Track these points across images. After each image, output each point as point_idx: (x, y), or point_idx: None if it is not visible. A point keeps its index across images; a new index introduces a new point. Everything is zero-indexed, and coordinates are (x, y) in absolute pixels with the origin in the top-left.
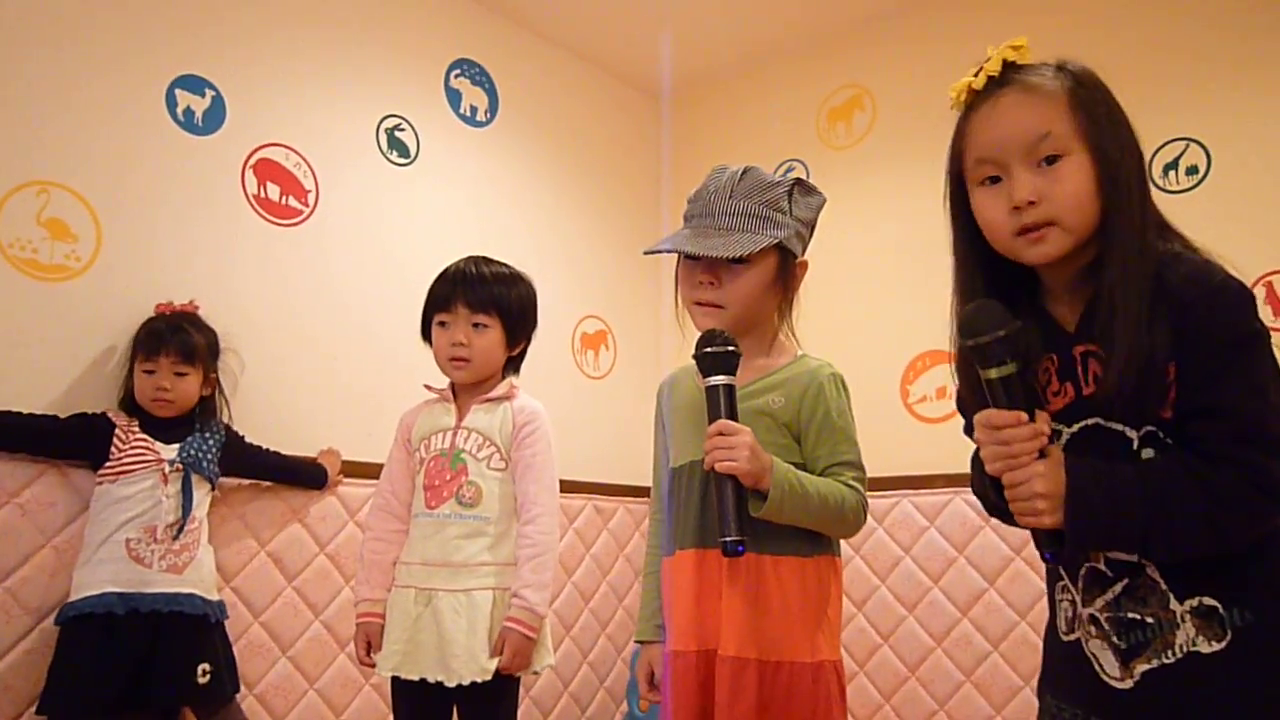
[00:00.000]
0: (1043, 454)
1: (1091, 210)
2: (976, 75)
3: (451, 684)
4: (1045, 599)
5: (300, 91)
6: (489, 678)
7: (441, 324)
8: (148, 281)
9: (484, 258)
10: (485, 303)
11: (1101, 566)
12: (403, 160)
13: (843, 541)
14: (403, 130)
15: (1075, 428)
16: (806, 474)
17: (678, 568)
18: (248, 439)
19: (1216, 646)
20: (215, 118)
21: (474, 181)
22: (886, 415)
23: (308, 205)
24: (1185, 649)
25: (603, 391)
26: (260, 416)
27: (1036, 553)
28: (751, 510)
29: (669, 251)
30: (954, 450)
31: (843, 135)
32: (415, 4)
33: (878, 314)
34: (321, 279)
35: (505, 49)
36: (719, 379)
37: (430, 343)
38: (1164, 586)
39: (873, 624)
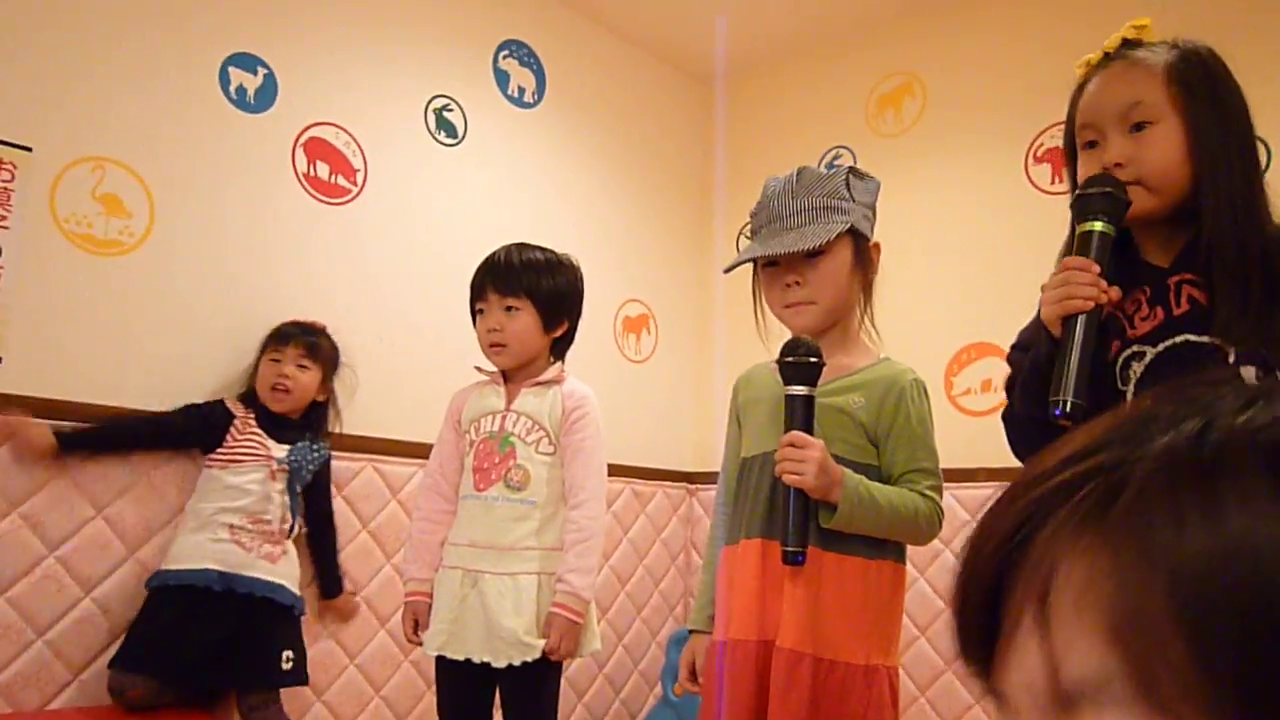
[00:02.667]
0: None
1: (1179, 175)
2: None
3: (500, 664)
4: None
5: (350, 70)
6: (535, 657)
7: (480, 311)
8: (199, 257)
9: (522, 244)
10: (514, 286)
11: None
12: (450, 140)
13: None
14: (450, 110)
15: (1161, 346)
16: (878, 484)
17: (741, 556)
18: (333, 484)
19: None
20: (267, 96)
21: (520, 163)
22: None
23: (356, 184)
24: None
25: (644, 375)
26: None
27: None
28: (822, 521)
29: (748, 262)
30: (997, 444)
31: (892, 123)
32: None
33: (923, 304)
34: (369, 258)
35: (553, 30)
36: (799, 389)
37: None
38: None
39: (910, 616)
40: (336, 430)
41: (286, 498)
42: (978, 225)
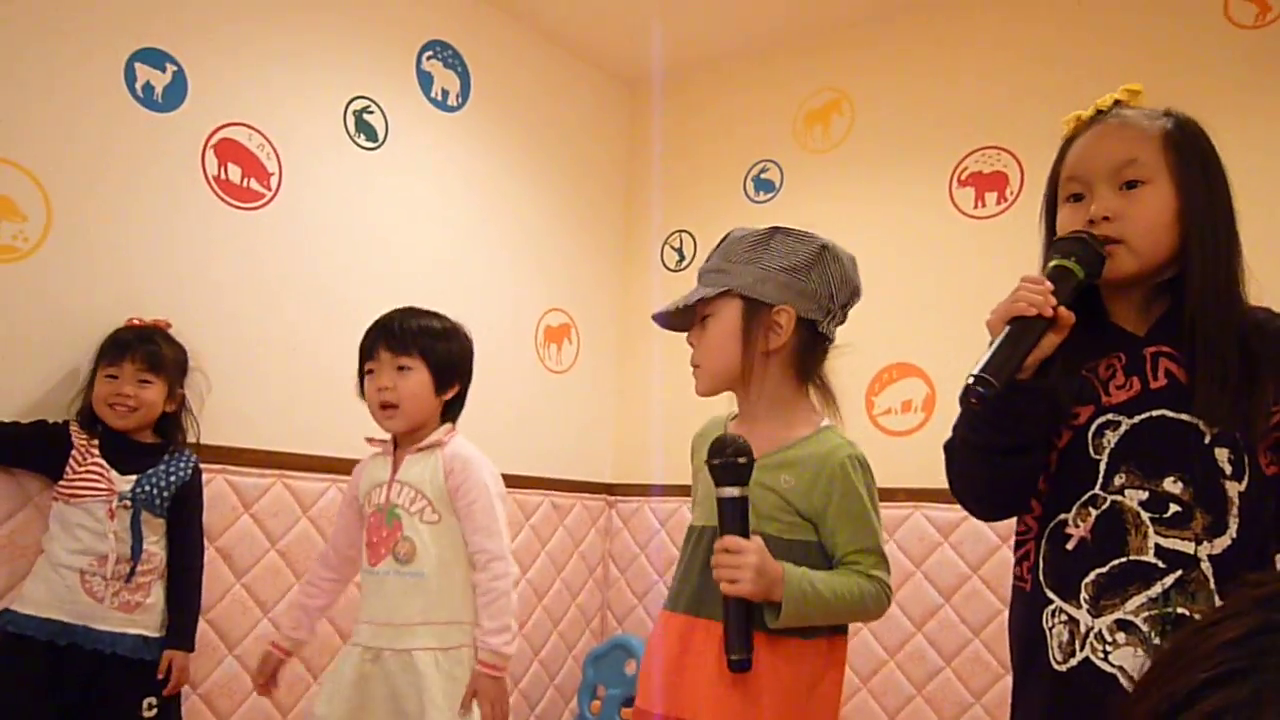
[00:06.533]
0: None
1: (1166, 239)
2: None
3: None
4: (1003, 618)
5: (265, 69)
6: None
7: (369, 373)
8: (99, 264)
9: (415, 309)
10: (408, 346)
11: (1149, 558)
12: (370, 144)
13: None
14: (371, 113)
15: (1137, 419)
16: (821, 574)
17: (667, 627)
18: (205, 494)
19: None
20: (176, 94)
21: (443, 167)
22: (850, 427)
23: (270, 189)
24: None
25: (564, 386)
26: (222, 408)
27: (994, 571)
28: (768, 622)
29: (666, 319)
30: (916, 464)
31: (819, 139)
32: None
33: (844, 324)
34: (283, 265)
35: (479, 32)
36: (730, 490)
37: (364, 398)
38: (1213, 585)
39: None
40: (195, 439)
41: (129, 537)
42: (901, 246)
